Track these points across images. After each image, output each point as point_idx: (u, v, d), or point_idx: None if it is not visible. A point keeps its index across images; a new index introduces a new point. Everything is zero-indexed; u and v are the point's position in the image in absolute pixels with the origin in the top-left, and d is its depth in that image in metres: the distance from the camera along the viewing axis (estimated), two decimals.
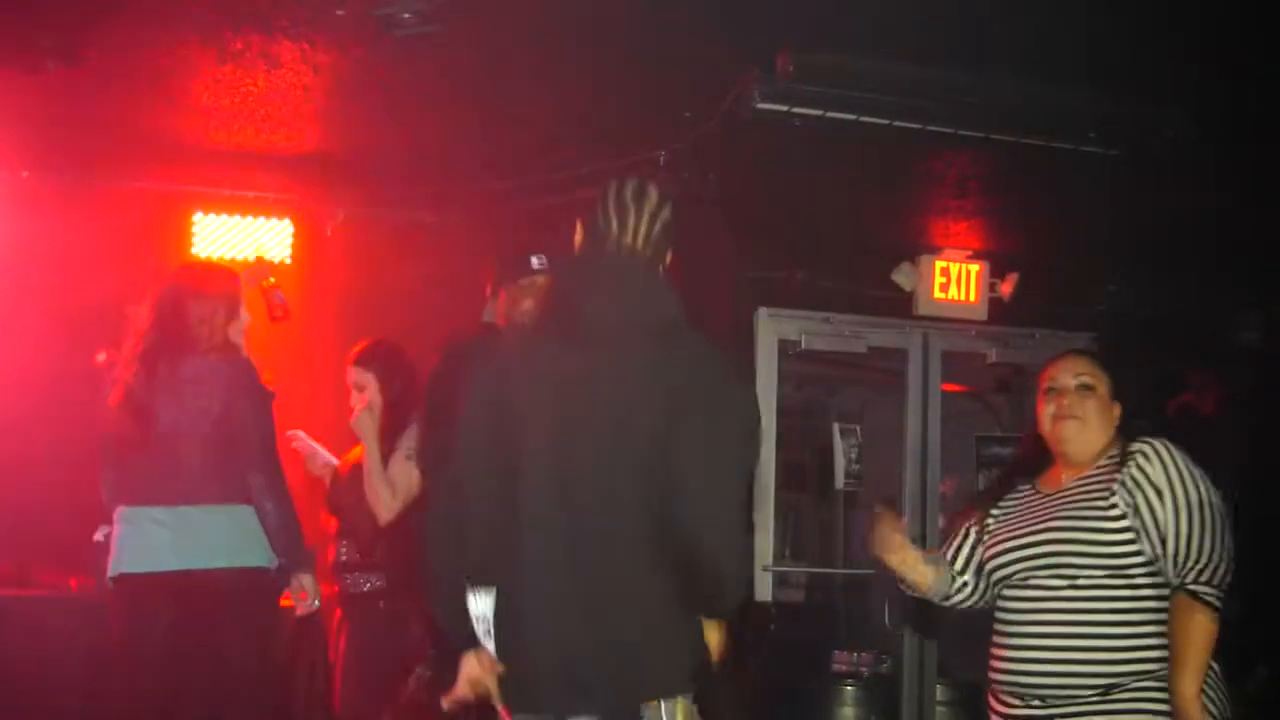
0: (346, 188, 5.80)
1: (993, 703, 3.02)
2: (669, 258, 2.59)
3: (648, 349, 2.37)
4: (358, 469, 4.23)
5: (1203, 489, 2.85)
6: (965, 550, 3.20)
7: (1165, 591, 2.85)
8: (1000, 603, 3.05)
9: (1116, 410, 3.04)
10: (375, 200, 5.86)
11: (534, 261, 3.44)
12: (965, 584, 3.19)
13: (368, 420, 4.18)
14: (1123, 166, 4.85)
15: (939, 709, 6.33)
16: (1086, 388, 3.03)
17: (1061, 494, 3.00)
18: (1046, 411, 3.06)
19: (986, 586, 3.13)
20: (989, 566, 3.08)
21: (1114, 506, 2.87)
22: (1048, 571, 2.91)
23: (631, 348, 2.38)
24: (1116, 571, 2.84)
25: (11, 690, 4.40)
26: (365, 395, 4.32)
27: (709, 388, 2.34)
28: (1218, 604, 2.79)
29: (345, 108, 4.80)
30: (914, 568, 3.18)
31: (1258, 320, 6.42)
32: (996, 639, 3.02)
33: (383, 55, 4.16)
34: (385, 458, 4.17)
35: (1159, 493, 2.84)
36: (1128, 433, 3.01)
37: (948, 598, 3.22)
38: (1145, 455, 2.88)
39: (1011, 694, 2.94)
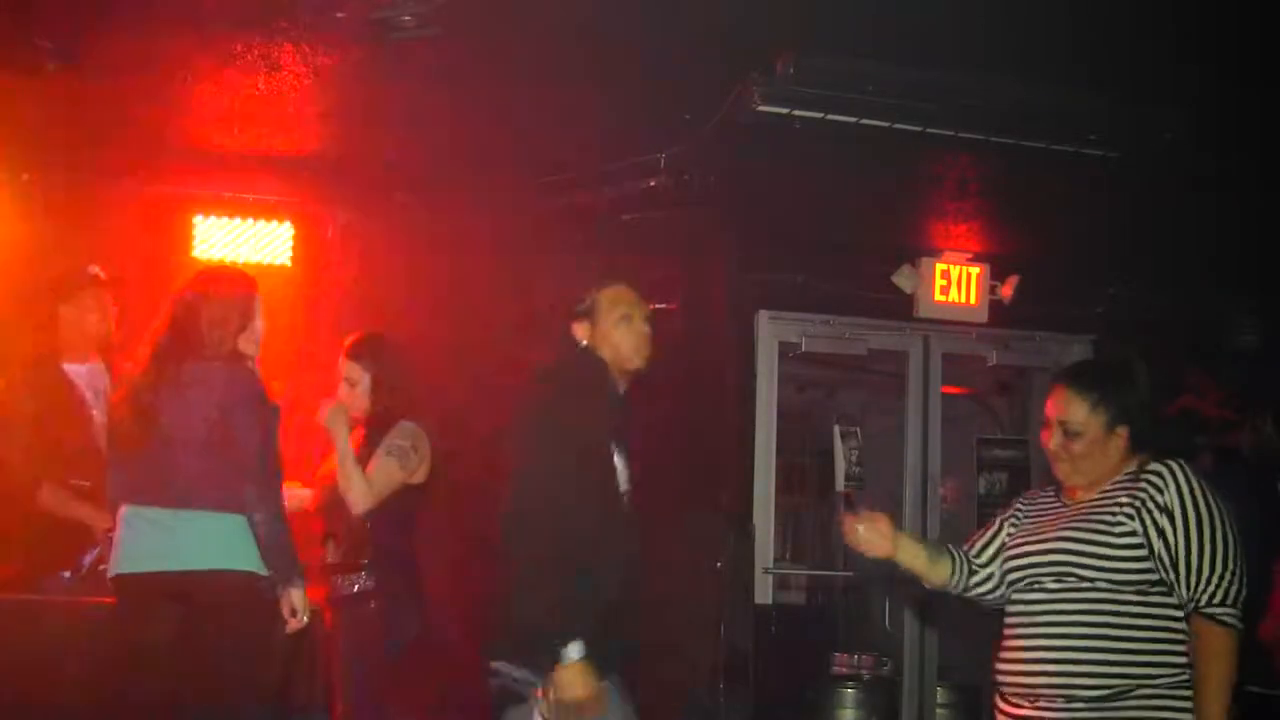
0: (347, 190, 5.81)
1: (998, 702, 3.02)
2: None
3: None
4: None
5: (1213, 510, 2.84)
6: (994, 544, 3.17)
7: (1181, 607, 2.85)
8: (1009, 605, 3.05)
9: (1118, 438, 2.98)
10: (376, 203, 5.86)
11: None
12: (990, 575, 3.15)
13: (339, 415, 4.15)
14: (1122, 169, 4.85)
15: (939, 711, 6.33)
16: (1071, 434, 2.99)
17: (1078, 507, 3.00)
18: (1047, 442, 3.06)
19: (1004, 585, 3.12)
20: (1005, 568, 3.08)
21: (1121, 524, 2.87)
22: (1054, 578, 2.91)
23: None
24: (1125, 585, 2.84)
25: (11, 691, 4.39)
26: (356, 391, 4.27)
27: None
28: (1235, 623, 2.80)
29: (346, 110, 4.81)
30: (913, 555, 3.17)
31: (1255, 322, 6.43)
32: (1004, 640, 3.03)
33: (383, 58, 4.16)
34: (368, 452, 4.17)
35: (1170, 516, 2.84)
36: (1145, 446, 2.98)
37: (968, 589, 3.18)
38: (1160, 478, 2.88)
39: (1014, 694, 2.94)
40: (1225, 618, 2.80)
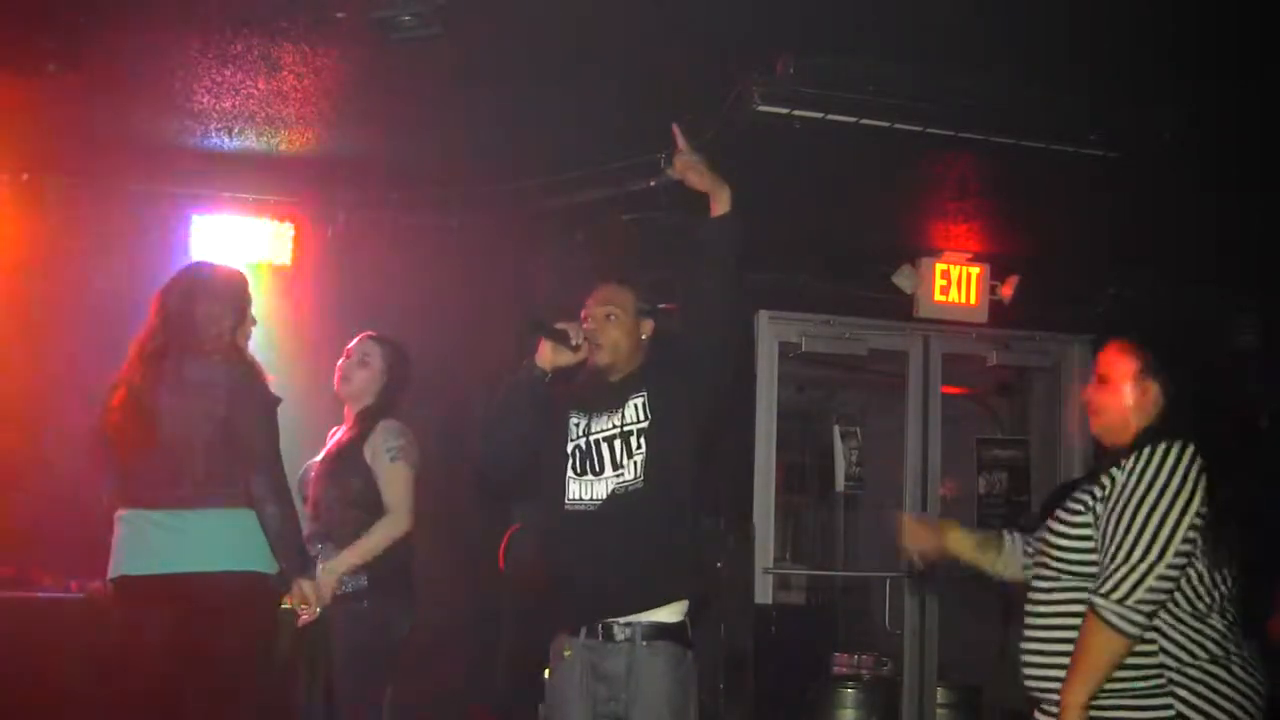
0: (348, 190, 5.81)
1: None
2: None
3: None
4: (330, 464, 4.23)
5: (1154, 497, 2.55)
6: None
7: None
8: None
9: (1147, 393, 2.77)
10: (376, 203, 5.86)
11: None
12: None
13: (328, 580, 4.08)
14: (1122, 169, 4.85)
15: (939, 711, 6.33)
16: (1101, 379, 2.86)
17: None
18: None
19: None
20: None
21: (1079, 511, 2.71)
22: (1039, 566, 2.85)
23: None
24: (1087, 580, 2.67)
25: (11, 691, 4.40)
26: (365, 370, 4.34)
27: None
28: (1117, 622, 2.52)
29: (346, 110, 4.80)
30: (968, 549, 3.11)
31: (1255, 322, 6.43)
32: None
33: (383, 58, 4.16)
34: (360, 441, 4.21)
35: (1108, 495, 2.63)
36: (1167, 426, 2.70)
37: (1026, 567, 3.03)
38: (1132, 458, 2.63)
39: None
40: (1104, 611, 2.52)
